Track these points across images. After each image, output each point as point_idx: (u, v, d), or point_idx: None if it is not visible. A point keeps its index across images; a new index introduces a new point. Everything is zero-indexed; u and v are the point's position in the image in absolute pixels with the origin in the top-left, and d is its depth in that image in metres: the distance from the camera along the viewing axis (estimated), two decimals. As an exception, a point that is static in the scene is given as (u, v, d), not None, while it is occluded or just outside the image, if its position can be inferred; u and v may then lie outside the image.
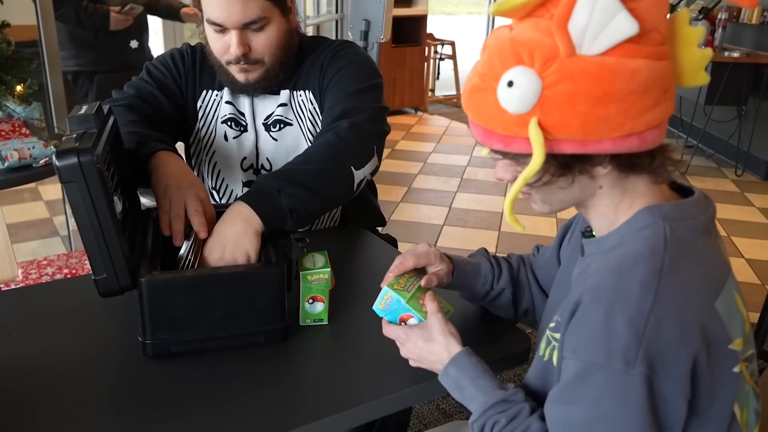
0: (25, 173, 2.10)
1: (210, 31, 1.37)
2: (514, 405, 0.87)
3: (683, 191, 0.89)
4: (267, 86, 1.43)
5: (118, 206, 1.13)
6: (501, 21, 0.79)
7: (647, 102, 0.76)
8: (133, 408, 0.97)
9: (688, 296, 0.76)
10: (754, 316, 2.07)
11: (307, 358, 1.09)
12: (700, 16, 4.79)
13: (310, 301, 1.15)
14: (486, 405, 0.88)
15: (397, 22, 5.97)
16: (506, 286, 1.14)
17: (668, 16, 0.78)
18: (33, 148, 2.09)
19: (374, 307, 1.03)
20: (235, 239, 1.13)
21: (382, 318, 1.04)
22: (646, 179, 0.83)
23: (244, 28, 1.33)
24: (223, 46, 1.36)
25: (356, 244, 1.55)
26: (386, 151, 5.17)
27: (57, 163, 0.93)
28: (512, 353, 1.13)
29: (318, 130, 1.47)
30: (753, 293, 2.99)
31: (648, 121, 0.77)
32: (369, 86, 1.44)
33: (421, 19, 6.34)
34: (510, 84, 0.76)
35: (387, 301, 1.01)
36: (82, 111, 1.04)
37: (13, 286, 2.21)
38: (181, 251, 1.14)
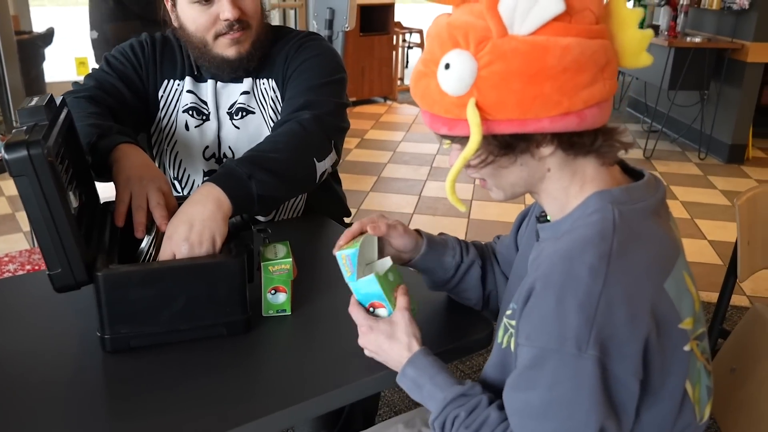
0: (-18, 168, 2.04)
1: (193, 9, 1.35)
2: (472, 398, 0.88)
3: (634, 174, 0.91)
4: (252, 61, 1.42)
5: (74, 200, 1.11)
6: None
7: (582, 80, 0.77)
8: (93, 404, 0.96)
9: (636, 279, 0.78)
10: (715, 296, 2.12)
11: (270, 348, 1.08)
12: (662, 2, 4.86)
13: (273, 291, 1.14)
14: (445, 401, 0.89)
15: (365, 10, 5.96)
16: (476, 259, 1.14)
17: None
18: (-11, 142, 2.04)
19: (346, 278, 1.02)
20: (203, 220, 1.10)
21: (352, 295, 1.04)
22: (594, 162, 0.85)
23: None
24: (210, 18, 1.35)
25: (320, 234, 1.54)
26: (355, 141, 5.16)
27: (6, 156, 0.90)
28: (475, 338, 1.13)
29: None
30: (715, 274, 3.06)
31: (585, 99, 0.78)
32: (332, 80, 1.45)
33: (389, 8, 6.32)
34: (447, 66, 0.79)
35: (347, 262, 1.01)
36: (33, 102, 1.01)
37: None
38: (143, 245, 1.13)
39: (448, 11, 0.84)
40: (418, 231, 1.13)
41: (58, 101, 1.13)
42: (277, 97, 1.48)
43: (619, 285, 0.76)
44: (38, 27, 4.93)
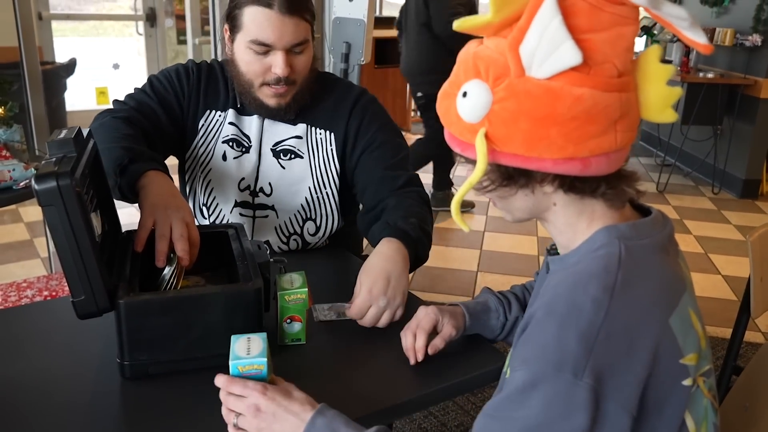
0: (6, 195, 2.10)
1: (248, 53, 1.39)
2: None
3: (643, 210, 0.93)
4: (295, 109, 1.48)
5: (97, 228, 1.14)
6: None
7: (590, 130, 0.79)
8: (111, 429, 0.98)
9: (639, 313, 0.79)
10: (729, 332, 2.10)
11: (286, 377, 1.09)
12: (675, 38, 4.91)
13: (288, 320, 1.16)
14: None
15: (379, 43, 6.04)
16: (519, 314, 1.18)
17: (639, 47, 0.82)
18: (13, 170, 2.09)
19: (233, 364, 0.93)
20: (398, 276, 1.21)
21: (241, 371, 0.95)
22: (602, 202, 0.87)
23: (290, 49, 1.38)
24: (263, 67, 1.39)
25: (335, 265, 1.57)
26: (369, 171, 5.19)
27: (36, 186, 0.94)
28: (486, 371, 1.14)
29: (329, 170, 1.53)
30: (728, 309, 3.04)
31: (592, 148, 0.80)
32: (407, 149, 1.57)
33: (403, 41, 6.41)
34: (465, 94, 0.82)
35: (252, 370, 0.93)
36: (62, 135, 1.05)
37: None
38: (164, 273, 1.16)
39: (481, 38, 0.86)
40: (456, 304, 1.19)
41: (84, 132, 1.17)
42: (333, 151, 1.53)
43: (621, 318, 0.77)
44: (61, 57, 5.06)
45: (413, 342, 1.12)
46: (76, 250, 0.97)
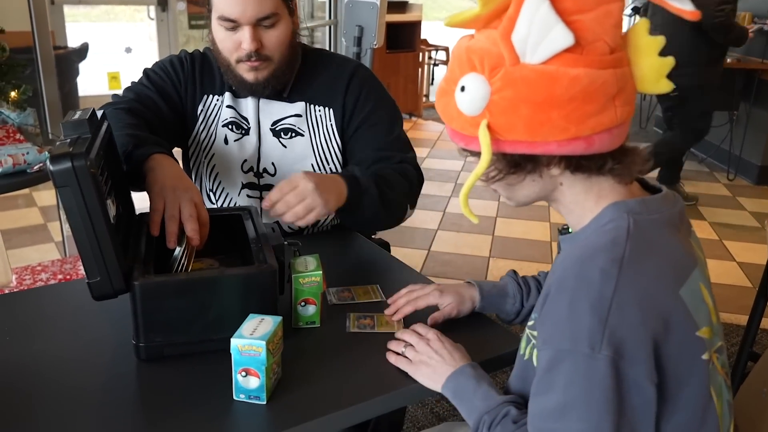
0: (19, 179, 2.10)
1: (220, 30, 1.39)
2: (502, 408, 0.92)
3: (654, 191, 0.93)
4: (275, 85, 1.46)
5: (112, 210, 1.14)
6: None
7: (590, 108, 0.80)
8: (126, 411, 0.98)
9: (649, 284, 0.80)
10: (744, 318, 2.09)
11: (300, 359, 1.10)
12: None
13: (303, 303, 1.16)
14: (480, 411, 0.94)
15: (391, 28, 6.01)
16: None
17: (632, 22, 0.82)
18: (27, 153, 2.10)
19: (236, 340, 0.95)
20: (332, 185, 1.28)
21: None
22: (609, 179, 0.87)
23: (257, 24, 1.36)
24: (234, 44, 1.39)
25: (349, 248, 1.56)
26: (380, 157, 5.18)
27: (51, 167, 0.94)
28: (502, 354, 1.14)
29: (330, 146, 1.53)
30: (744, 296, 3.02)
31: (593, 126, 0.81)
32: (401, 127, 1.58)
33: (415, 25, 6.37)
34: (463, 89, 0.83)
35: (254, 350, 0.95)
36: (76, 116, 1.05)
37: (7, 292, 2.22)
38: (175, 253, 1.15)
39: (472, 33, 0.88)
40: (471, 282, 1.21)
41: (99, 114, 1.17)
42: (332, 126, 1.53)
43: (631, 289, 0.78)
44: (74, 42, 5.06)
45: (402, 304, 1.18)
46: (92, 231, 0.97)
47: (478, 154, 0.85)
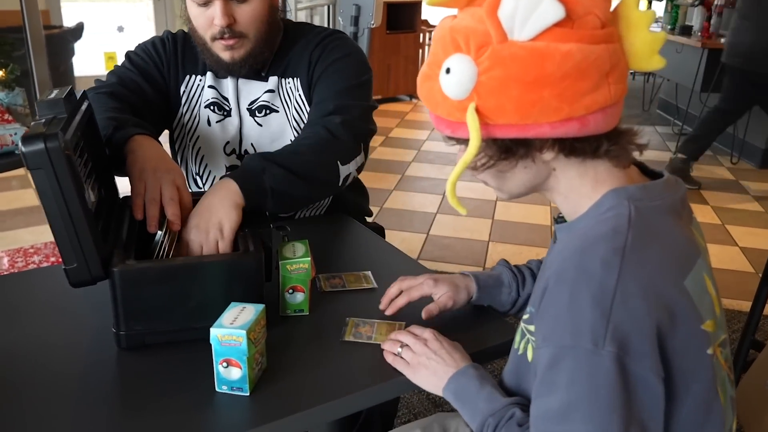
0: (8, 160, 2.06)
1: (192, 6, 1.35)
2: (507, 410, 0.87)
3: (654, 176, 0.88)
4: (253, 64, 1.41)
5: (92, 194, 1.10)
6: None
7: (583, 86, 0.75)
8: (105, 400, 0.95)
9: (653, 273, 0.75)
10: (747, 305, 2.05)
11: (287, 349, 1.06)
12: (696, 2, 4.75)
13: (290, 291, 1.12)
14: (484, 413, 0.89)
15: (392, 8, 5.92)
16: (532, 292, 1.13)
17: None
18: (15, 134, 2.05)
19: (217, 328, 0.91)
20: (210, 208, 1.14)
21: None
22: (605, 163, 0.83)
23: None
24: (207, 21, 1.34)
25: (340, 233, 1.52)
26: (380, 139, 5.14)
27: (23, 148, 0.89)
28: (497, 344, 1.10)
29: (303, 119, 1.46)
30: (746, 282, 2.98)
31: (587, 105, 0.76)
32: (360, 83, 1.45)
33: (416, 6, 6.28)
34: (448, 71, 0.78)
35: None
36: (52, 95, 1.00)
37: (-4, 275, 2.18)
38: (156, 238, 1.11)
39: (455, 13, 0.83)
40: (465, 274, 1.15)
41: (79, 94, 1.12)
42: (301, 96, 1.47)
43: (635, 279, 0.73)
44: (70, 22, 4.98)
45: (394, 294, 1.12)
46: (67, 216, 0.93)
47: (465, 142, 0.80)
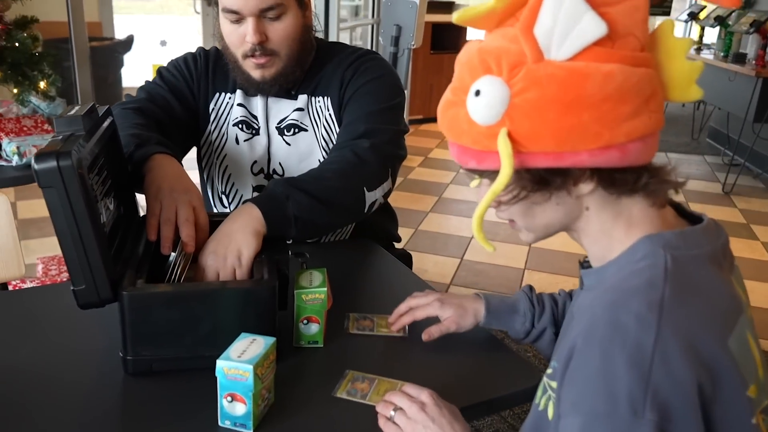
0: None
1: (226, 23, 1.33)
2: None
3: (692, 219, 0.81)
4: (283, 83, 1.39)
5: (109, 211, 1.08)
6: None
7: (624, 110, 0.69)
8: (103, 427, 0.92)
9: (694, 332, 0.68)
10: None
11: (298, 383, 1.02)
12: (752, 30, 4.60)
13: (305, 321, 1.08)
14: None
15: (436, 28, 5.91)
16: (548, 326, 1.08)
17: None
18: (53, 145, 2.07)
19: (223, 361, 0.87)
20: (229, 234, 1.11)
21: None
22: (641, 202, 0.76)
23: (261, 15, 1.30)
24: (239, 38, 1.32)
25: (364, 261, 1.47)
26: (419, 159, 5.10)
27: (35, 166, 0.88)
28: (522, 389, 1.03)
29: (333, 139, 1.43)
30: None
31: (628, 132, 0.70)
32: (391, 106, 1.41)
33: (461, 26, 6.24)
34: (477, 93, 0.72)
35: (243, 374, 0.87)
36: (72, 112, 0.99)
37: (29, 283, 2.20)
38: (169, 261, 1.09)
39: (481, 38, 0.78)
40: (478, 295, 1.11)
41: (102, 110, 1.11)
42: (331, 116, 1.44)
43: (675, 338, 0.66)
44: (124, 34, 5.10)
45: (403, 311, 1.11)
46: (77, 236, 0.91)
47: (492, 175, 0.74)
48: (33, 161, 0.88)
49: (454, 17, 0.72)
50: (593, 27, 0.67)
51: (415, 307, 1.10)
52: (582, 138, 0.69)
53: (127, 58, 5.01)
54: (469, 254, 3.44)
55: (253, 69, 1.36)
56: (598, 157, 0.70)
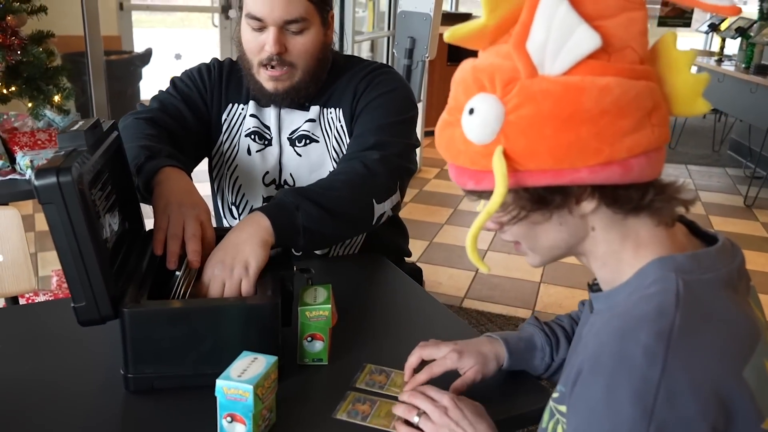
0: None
1: (247, 30, 1.33)
2: None
3: (707, 239, 0.78)
4: (295, 97, 1.39)
5: (112, 226, 1.08)
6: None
7: (624, 125, 0.67)
8: (106, 447, 0.90)
9: (705, 364, 0.64)
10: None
11: (300, 401, 1.00)
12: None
13: (309, 339, 1.06)
14: None
15: (453, 40, 5.90)
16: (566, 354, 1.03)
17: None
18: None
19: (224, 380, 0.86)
20: (237, 244, 1.09)
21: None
22: (648, 222, 0.73)
23: (284, 26, 1.29)
24: (258, 45, 1.32)
25: (372, 276, 1.45)
26: (435, 171, 5.07)
27: (35, 182, 0.87)
28: (528, 411, 1.01)
29: (343, 150, 1.42)
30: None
31: (630, 147, 0.68)
32: (403, 120, 1.40)
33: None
34: (471, 111, 0.70)
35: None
36: (76, 127, 0.99)
37: (42, 296, 2.21)
38: (175, 276, 1.08)
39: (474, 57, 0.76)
40: (492, 336, 1.04)
41: (107, 125, 1.10)
42: (342, 128, 1.43)
43: (683, 371, 0.63)
44: (150, 47, 5.14)
45: (415, 364, 1.01)
46: (78, 253, 0.90)
47: (490, 195, 0.71)
48: (33, 177, 0.87)
49: (445, 36, 0.71)
50: (587, 39, 0.65)
51: (429, 357, 1.02)
52: (581, 154, 0.67)
53: (146, 71, 5.05)
54: (485, 267, 3.40)
55: (266, 80, 1.35)
56: (599, 174, 0.68)
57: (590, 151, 0.67)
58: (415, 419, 0.90)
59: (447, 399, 0.90)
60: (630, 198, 0.71)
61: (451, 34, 0.70)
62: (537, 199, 0.71)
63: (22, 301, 2.14)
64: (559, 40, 0.65)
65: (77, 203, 0.88)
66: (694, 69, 0.73)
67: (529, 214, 0.73)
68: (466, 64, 0.74)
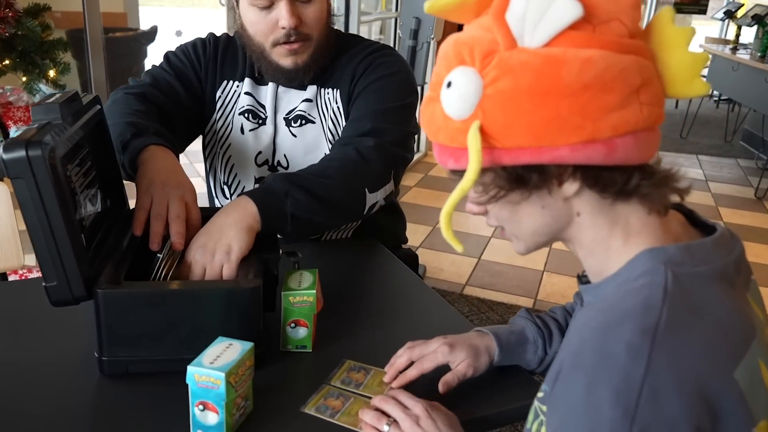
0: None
1: (252, 11, 1.28)
2: None
3: (705, 228, 0.73)
4: (316, 69, 1.34)
5: (91, 204, 1.04)
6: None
7: (608, 100, 0.63)
8: (78, 429, 0.87)
9: (692, 363, 0.60)
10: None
11: (281, 389, 0.96)
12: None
13: (292, 325, 1.02)
14: None
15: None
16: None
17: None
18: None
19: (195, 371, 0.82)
20: (221, 228, 1.05)
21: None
22: (639, 209, 0.68)
23: None
24: (269, 25, 1.27)
25: (365, 262, 1.41)
26: (441, 156, 5.01)
27: (3, 155, 0.83)
28: (518, 406, 0.96)
29: (339, 133, 1.37)
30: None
31: (614, 125, 0.63)
32: (401, 105, 1.35)
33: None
34: (449, 85, 0.66)
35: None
36: (51, 99, 0.94)
37: (35, 273, 2.18)
38: (157, 258, 1.04)
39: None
40: (482, 330, 0.99)
41: (88, 99, 1.06)
42: (339, 109, 1.38)
43: (668, 370, 0.58)
44: (155, 25, 5.10)
45: (403, 365, 0.95)
46: (48, 231, 0.86)
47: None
48: (1, 151, 0.83)
49: (425, 6, 0.66)
50: (567, 9, 0.61)
51: (419, 357, 0.96)
52: (561, 131, 0.63)
53: (151, 49, 5.01)
54: (487, 254, 3.36)
55: (284, 57, 1.31)
56: (581, 153, 0.64)
57: (571, 127, 0.63)
58: (385, 428, 0.85)
59: (420, 407, 0.85)
60: (614, 181, 0.66)
61: (430, 5, 0.66)
62: (515, 178, 0.67)
63: (15, 278, 2.12)
64: (539, 10, 0.62)
65: (48, 178, 0.84)
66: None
67: (507, 194, 0.69)
68: (450, 38, 0.69)
